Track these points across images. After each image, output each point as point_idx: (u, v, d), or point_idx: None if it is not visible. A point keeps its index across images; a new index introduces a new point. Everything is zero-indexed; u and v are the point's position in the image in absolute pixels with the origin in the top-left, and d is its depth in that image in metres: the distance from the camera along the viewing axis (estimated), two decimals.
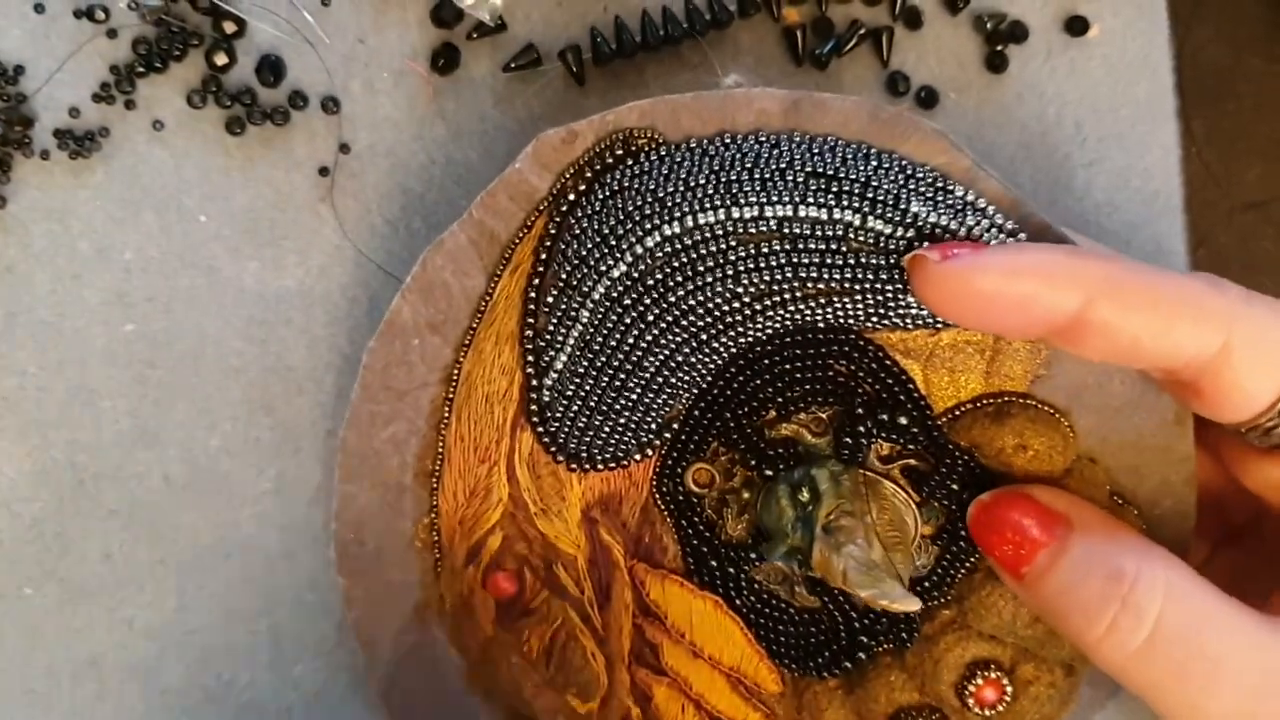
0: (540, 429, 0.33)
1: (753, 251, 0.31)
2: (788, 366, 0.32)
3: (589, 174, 0.32)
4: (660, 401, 0.33)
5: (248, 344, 0.37)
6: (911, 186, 0.31)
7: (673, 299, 0.31)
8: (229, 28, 0.37)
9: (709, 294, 0.31)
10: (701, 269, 0.31)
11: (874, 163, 0.31)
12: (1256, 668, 0.26)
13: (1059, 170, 0.38)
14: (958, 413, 0.32)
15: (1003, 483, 0.32)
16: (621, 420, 0.33)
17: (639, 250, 0.31)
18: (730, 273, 0.31)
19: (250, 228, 0.37)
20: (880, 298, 0.31)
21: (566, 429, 0.33)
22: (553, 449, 0.33)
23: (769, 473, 0.33)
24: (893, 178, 0.31)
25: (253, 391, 0.37)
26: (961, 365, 0.32)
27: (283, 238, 0.37)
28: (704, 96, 0.32)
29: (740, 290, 0.31)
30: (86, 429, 0.37)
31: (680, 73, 0.38)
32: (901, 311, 0.31)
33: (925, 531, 0.33)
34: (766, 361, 0.32)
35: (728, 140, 0.32)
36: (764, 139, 0.31)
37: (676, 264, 0.31)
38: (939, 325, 0.31)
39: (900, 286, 0.30)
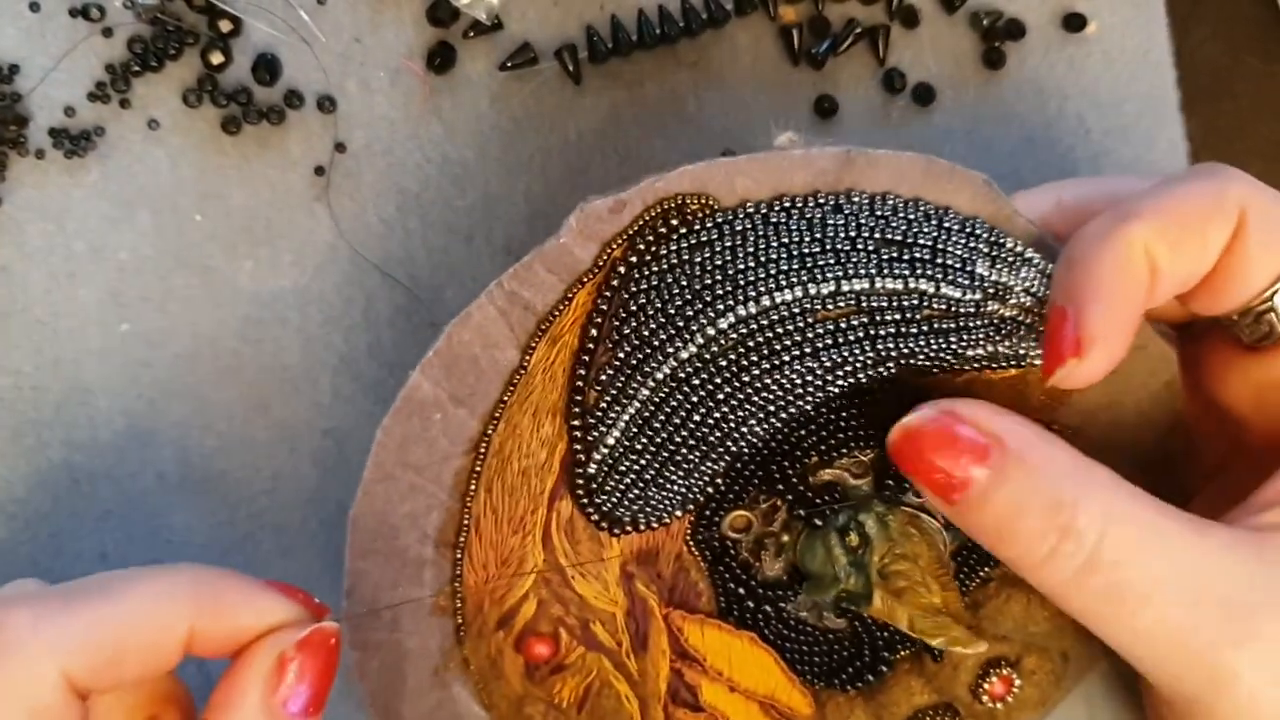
0: (585, 501, 0.32)
1: (831, 328, 0.30)
2: (833, 416, 0.32)
3: (640, 245, 0.30)
4: (714, 466, 0.32)
5: (243, 343, 0.37)
6: (973, 245, 0.30)
7: (746, 378, 0.30)
8: (225, 26, 0.37)
9: (786, 372, 0.30)
10: (779, 347, 0.30)
11: (935, 222, 0.30)
12: (1192, 580, 0.26)
13: (1062, 164, 0.38)
14: None
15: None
16: (674, 487, 0.32)
17: (711, 332, 0.30)
18: (809, 350, 0.30)
19: (246, 227, 0.37)
20: (948, 359, 0.30)
21: (614, 500, 0.32)
22: (597, 518, 0.32)
23: (817, 522, 0.32)
24: (957, 238, 0.30)
25: (248, 391, 0.37)
26: (996, 401, 0.31)
27: (278, 237, 0.37)
28: (759, 158, 0.30)
29: (819, 364, 0.30)
30: (82, 428, 0.37)
31: (677, 72, 0.38)
32: (973, 365, 0.31)
33: (950, 549, 0.33)
34: (811, 410, 0.31)
35: (788, 205, 0.30)
36: (824, 201, 0.30)
37: (752, 344, 0.30)
38: (989, 366, 0.31)
39: (966, 349, 0.30)
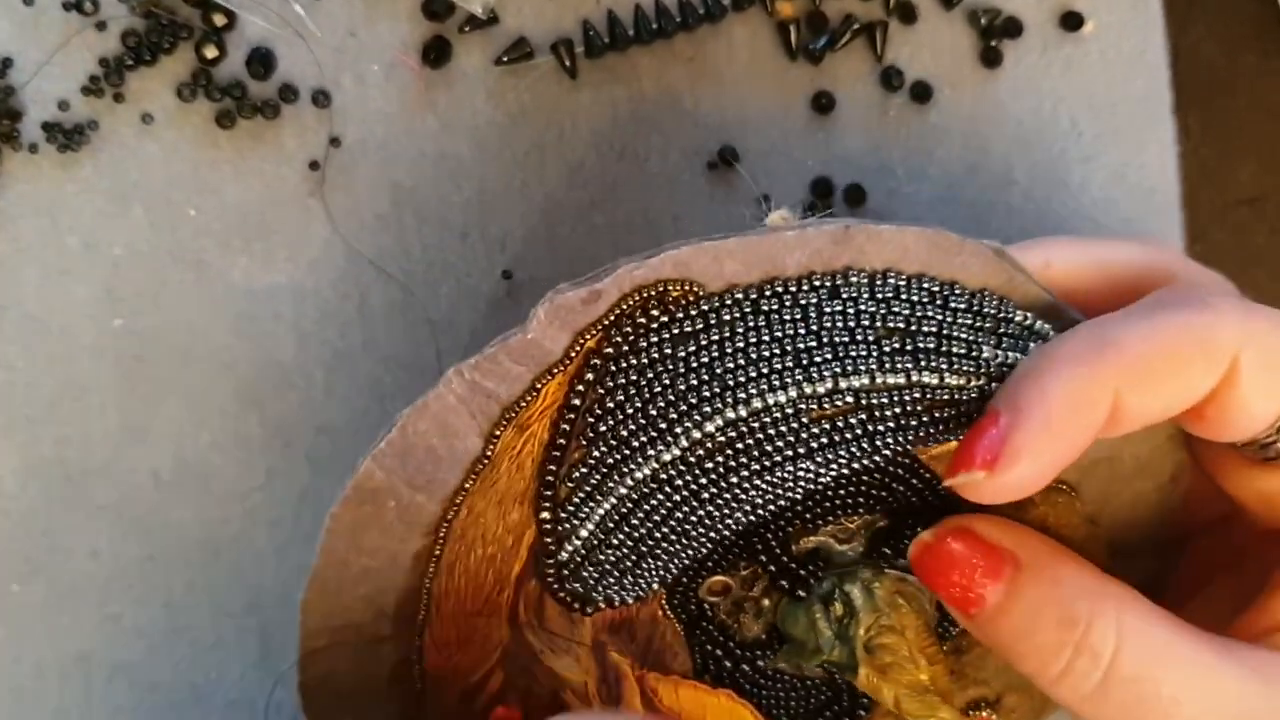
0: (557, 587, 0.30)
1: (826, 428, 0.27)
2: (818, 485, 0.29)
3: (617, 337, 0.27)
4: (696, 552, 0.29)
5: (237, 339, 0.37)
6: (980, 325, 0.28)
7: (735, 479, 0.27)
8: (219, 20, 0.37)
9: (777, 474, 0.27)
10: (770, 448, 0.27)
11: (941, 303, 0.28)
12: (1211, 702, 0.26)
13: (1055, 165, 0.38)
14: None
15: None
16: (650, 572, 0.30)
17: (696, 435, 0.27)
18: (802, 450, 0.27)
19: (240, 222, 0.37)
20: (942, 439, 0.28)
21: (589, 585, 0.30)
22: (569, 600, 0.30)
23: (801, 593, 0.30)
24: (963, 320, 0.28)
25: (242, 387, 0.37)
26: None
27: (273, 232, 0.37)
28: (749, 240, 0.27)
29: (815, 464, 0.28)
30: (75, 425, 0.37)
31: (674, 67, 0.38)
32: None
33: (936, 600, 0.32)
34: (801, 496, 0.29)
35: (780, 290, 0.27)
36: (819, 284, 0.27)
37: (741, 445, 0.27)
38: None
39: (963, 428, 0.28)
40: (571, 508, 0.29)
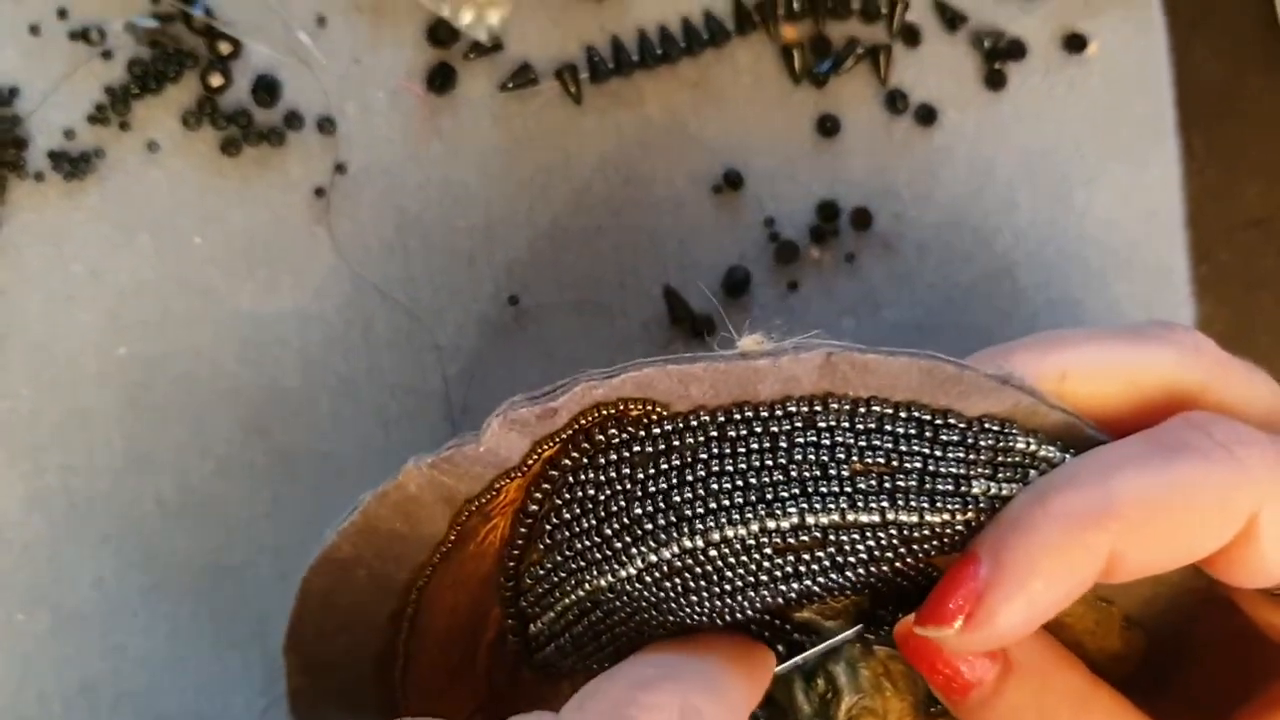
0: (526, 657, 0.29)
1: (790, 559, 0.25)
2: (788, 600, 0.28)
3: (575, 451, 0.26)
4: (664, 635, 0.28)
5: (242, 366, 0.37)
6: (972, 459, 0.25)
7: (694, 598, 0.26)
8: (224, 49, 0.37)
9: (741, 600, 0.26)
10: (730, 575, 0.26)
11: (928, 435, 0.25)
12: None
13: (1059, 187, 0.38)
14: None
15: None
16: (621, 652, 0.28)
17: (652, 559, 0.26)
18: (765, 579, 0.26)
19: (245, 249, 0.37)
20: (926, 557, 0.26)
21: (556, 660, 0.29)
22: (541, 668, 0.29)
23: (797, 661, 0.28)
24: (953, 454, 0.25)
25: (247, 414, 0.37)
26: None
27: (278, 259, 0.37)
28: (719, 367, 0.25)
29: (779, 591, 0.26)
30: (79, 452, 0.37)
31: (678, 91, 0.38)
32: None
33: None
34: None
35: (750, 416, 0.25)
36: (794, 411, 0.25)
37: (699, 571, 0.26)
38: None
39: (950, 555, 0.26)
40: (534, 597, 0.28)
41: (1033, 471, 0.25)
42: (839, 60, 0.38)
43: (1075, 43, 0.38)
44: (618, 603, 0.27)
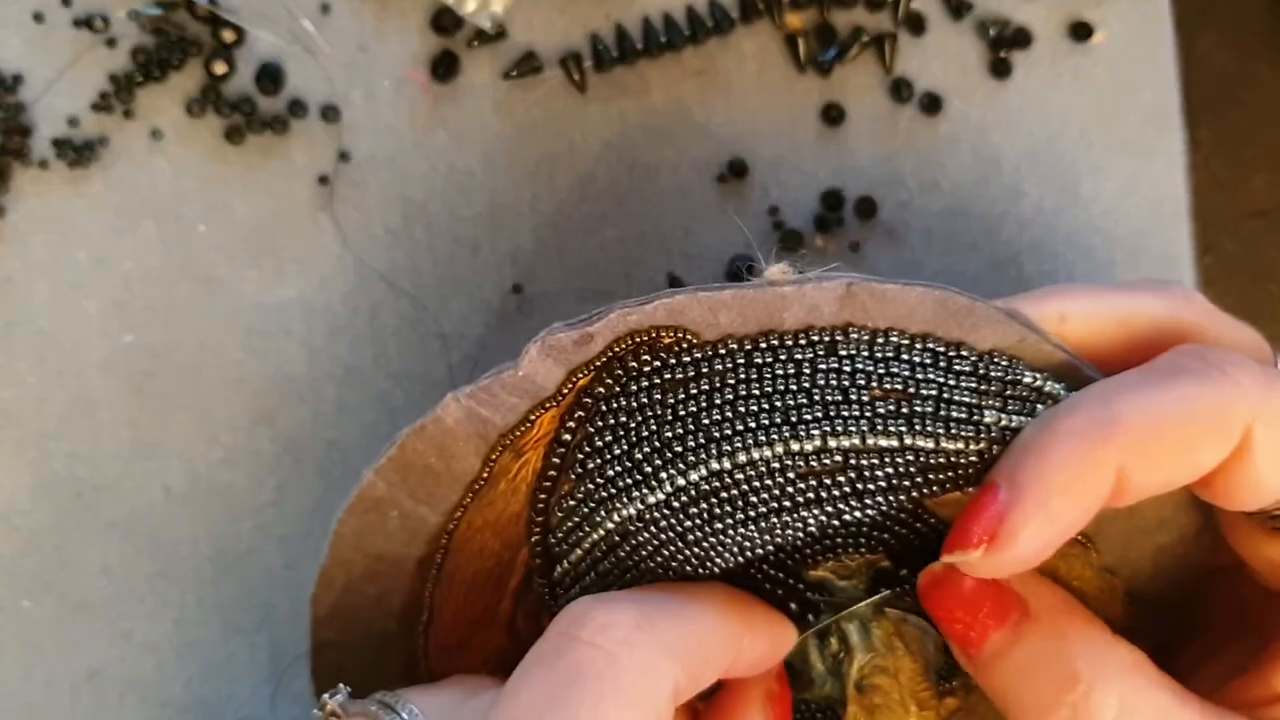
0: (552, 603, 0.30)
1: (814, 484, 0.27)
2: (808, 533, 0.28)
3: (609, 378, 0.27)
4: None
5: (248, 354, 0.37)
6: (984, 389, 0.27)
7: (719, 525, 0.27)
8: (228, 36, 0.37)
9: (763, 526, 0.27)
10: (755, 500, 0.27)
11: (943, 366, 0.27)
12: None
13: (1065, 177, 0.38)
14: None
15: None
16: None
17: (681, 482, 0.27)
18: (788, 504, 0.27)
19: (250, 237, 0.37)
20: (937, 494, 0.27)
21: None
22: None
23: (810, 617, 0.29)
24: (967, 383, 0.27)
25: (253, 402, 0.37)
26: None
27: (283, 247, 0.37)
28: (746, 293, 0.27)
29: (799, 518, 0.27)
30: (85, 440, 0.37)
31: (683, 80, 0.38)
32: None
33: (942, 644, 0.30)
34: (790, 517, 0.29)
35: (775, 344, 0.27)
36: (816, 339, 0.27)
37: (725, 496, 0.27)
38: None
39: (966, 488, 0.27)
40: (562, 534, 0.29)
41: (1039, 406, 0.27)
42: (844, 48, 0.38)
43: (1081, 31, 0.38)
44: (644, 534, 0.27)
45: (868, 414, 0.26)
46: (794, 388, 0.27)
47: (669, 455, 0.27)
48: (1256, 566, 0.28)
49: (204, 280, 0.37)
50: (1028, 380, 0.27)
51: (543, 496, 0.29)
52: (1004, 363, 0.27)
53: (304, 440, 0.37)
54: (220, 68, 0.37)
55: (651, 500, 0.27)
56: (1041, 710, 0.26)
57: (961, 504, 0.27)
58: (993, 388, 0.27)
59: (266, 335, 0.37)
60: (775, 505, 0.27)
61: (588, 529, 0.28)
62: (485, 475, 0.29)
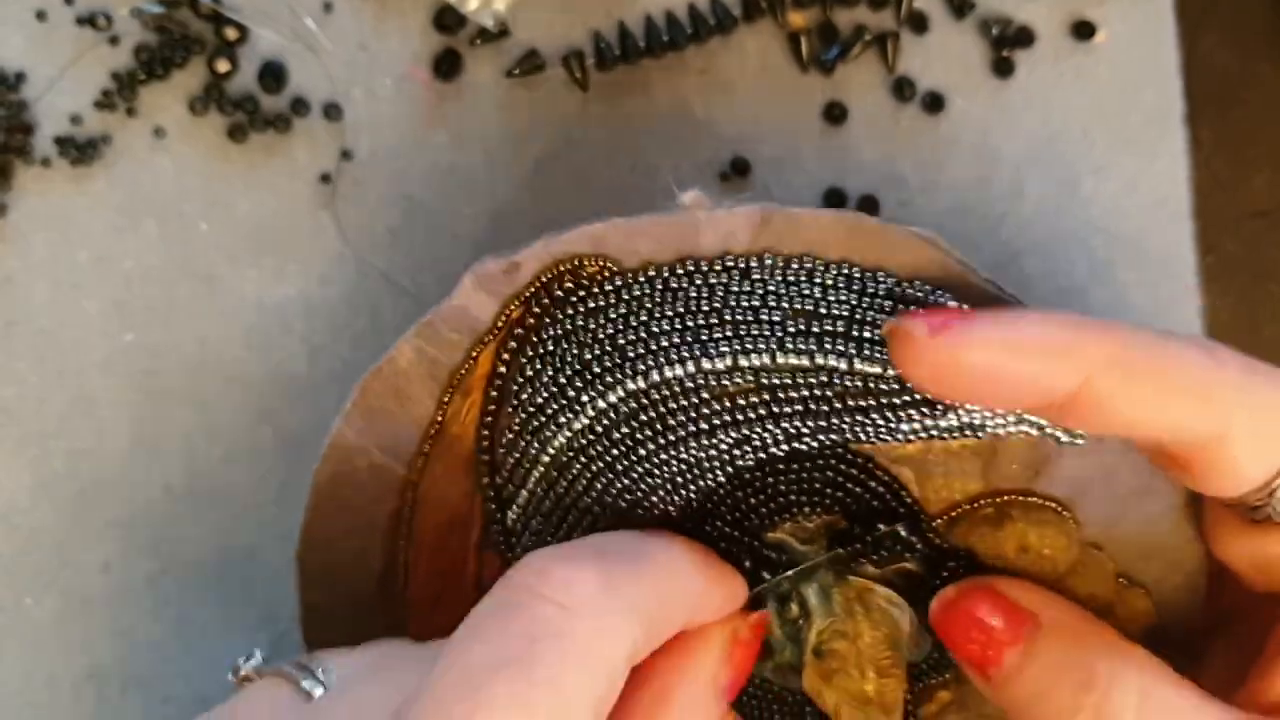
0: (508, 553, 0.31)
1: (728, 404, 0.27)
2: (769, 480, 0.29)
3: (536, 308, 0.29)
4: (636, 525, 0.30)
5: (249, 352, 0.37)
6: (902, 310, 0.27)
7: (643, 452, 0.28)
8: (231, 35, 0.37)
9: (684, 448, 0.28)
10: (673, 423, 0.28)
11: (857, 288, 0.27)
12: None
13: (1066, 176, 0.38)
14: (955, 514, 0.30)
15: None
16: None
17: (601, 405, 0.28)
18: (704, 427, 0.28)
19: (252, 235, 0.37)
20: (871, 431, 0.28)
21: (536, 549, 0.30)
22: None
23: (766, 575, 0.30)
24: (880, 306, 0.27)
25: (254, 400, 0.37)
26: (957, 469, 0.29)
27: (284, 245, 0.37)
28: (662, 220, 0.28)
29: (717, 442, 0.28)
30: (86, 439, 0.37)
31: (685, 78, 0.38)
32: (897, 435, 0.28)
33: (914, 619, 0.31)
34: (746, 476, 0.29)
35: (691, 270, 0.28)
36: (732, 265, 0.28)
37: (644, 418, 0.28)
38: (932, 436, 0.29)
39: (895, 421, 0.28)
40: (507, 473, 0.30)
41: None
42: (846, 47, 0.38)
43: (1083, 30, 0.38)
44: (577, 465, 0.28)
45: (777, 334, 0.27)
46: (705, 309, 0.27)
47: (589, 377, 0.28)
48: (1239, 568, 0.28)
49: (205, 279, 0.37)
50: (952, 308, 0.27)
51: (486, 434, 0.29)
52: (926, 288, 0.27)
53: (305, 438, 0.37)
54: (223, 66, 0.37)
55: (577, 425, 0.28)
56: (1063, 716, 0.26)
57: (914, 459, 0.28)
58: (910, 311, 0.27)
59: (268, 333, 0.37)
60: (694, 428, 0.27)
61: (528, 465, 0.29)
62: (440, 418, 0.29)
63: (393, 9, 0.37)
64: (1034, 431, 0.28)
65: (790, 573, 0.29)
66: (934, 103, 0.38)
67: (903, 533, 0.29)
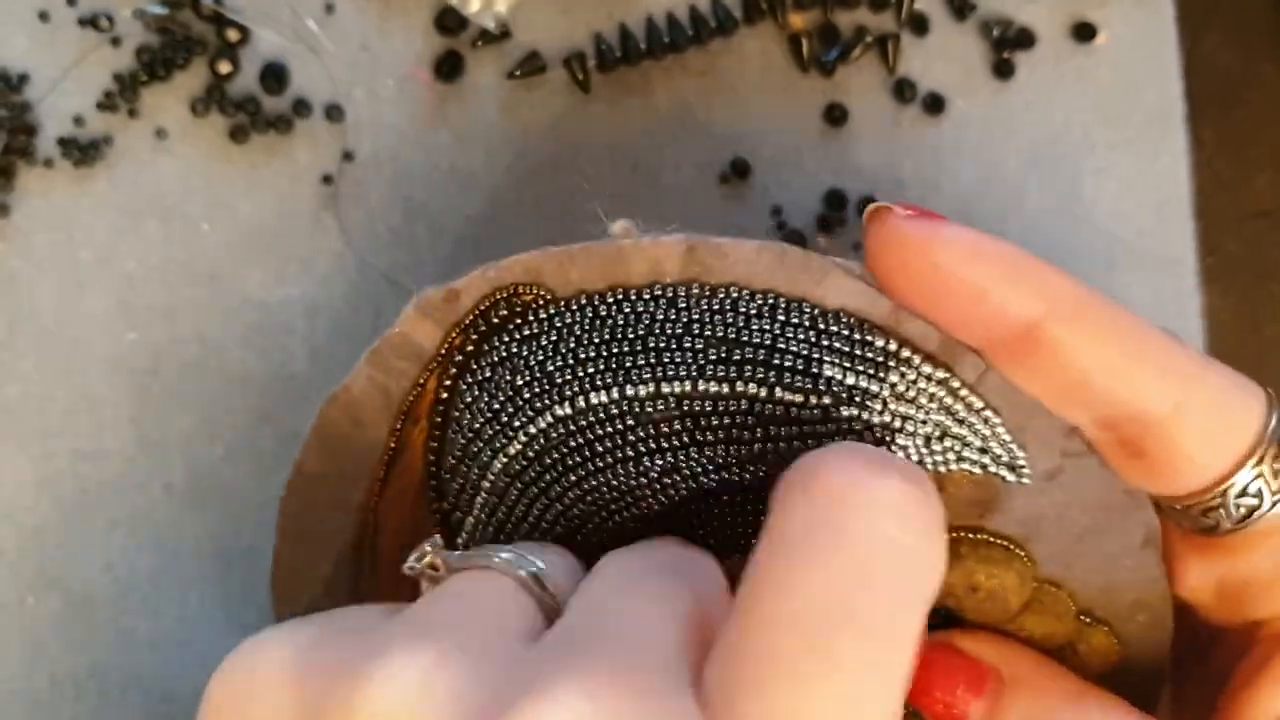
0: None
1: (652, 432, 0.27)
2: (715, 520, 0.29)
3: (475, 335, 0.29)
4: (582, 554, 0.29)
5: (250, 353, 0.37)
6: (825, 344, 0.27)
7: (575, 477, 0.28)
8: (233, 36, 0.37)
9: (612, 475, 0.28)
10: (601, 449, 0.28)
11: (780, 319, 0.27)
12: None
13: (1067, 177, 0.38)
14: None
15: (951, 621, 0.29)
16: None
17: (532, 430, 0.28)
18: (630, 454, 0.28)
19: (253, 236, 0.37)
20: (789, 446, 0.28)
21: None
22: None
23: None
24: (802, 336, 0.27)
25: (255, 400, 0.37)
26: None
27: (286, 246, 0.37)
28: (593, 248, 0.28)
29: (644, 468, 0.28)
30: (88, 438, 0.37)
31: (686, 80, 0.38)
32: None
33: None
34: (691, 509, 0.29)
35: (620, 298, 0.28)
36: (659, 294, 0.28)
37: (573, 444, 0.28)
38: None
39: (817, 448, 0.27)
40: (453, 499, 0.30)
41: (895, 373, 0.27)
42: (847, 49, 0.38)
43: (1084, 32, 0.38)
44: (515, 490, 0.29)
45: (699, 361, 0.27)
46: (630, 336, 0.27)
47: (519, 403, 0.28)
48: (1202, 601, 0.28)
49: (207, 279, 0.37)
50: (879, 344, 0.27)
51: (433, 460, 0.30)
52: (850, 321, 0.27)
53: (306, 438, 0.37)
54: (225, 67, 0.37)
55: (512, 451, 0.28)
56: None
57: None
58: (835, 344, 0.27)
59: (269, 334, 0.37)
60: (620, 454, 0.27)
61: (470, 490, 0.29)
62: (393, 445, 0.30)
63: (395, 10, 0.37)
64: (976, 470, 0.28)
65: None
66: (935, 104, 0.38)
67: None
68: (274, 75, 0.37)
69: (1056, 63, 0.38)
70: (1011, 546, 0.28)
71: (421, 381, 0.29)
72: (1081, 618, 0.29)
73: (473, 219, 0.38)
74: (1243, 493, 0.25)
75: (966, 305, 0.25)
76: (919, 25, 0.38)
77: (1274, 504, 0.25)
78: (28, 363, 0.37)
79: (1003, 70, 0.38)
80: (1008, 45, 0.38)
